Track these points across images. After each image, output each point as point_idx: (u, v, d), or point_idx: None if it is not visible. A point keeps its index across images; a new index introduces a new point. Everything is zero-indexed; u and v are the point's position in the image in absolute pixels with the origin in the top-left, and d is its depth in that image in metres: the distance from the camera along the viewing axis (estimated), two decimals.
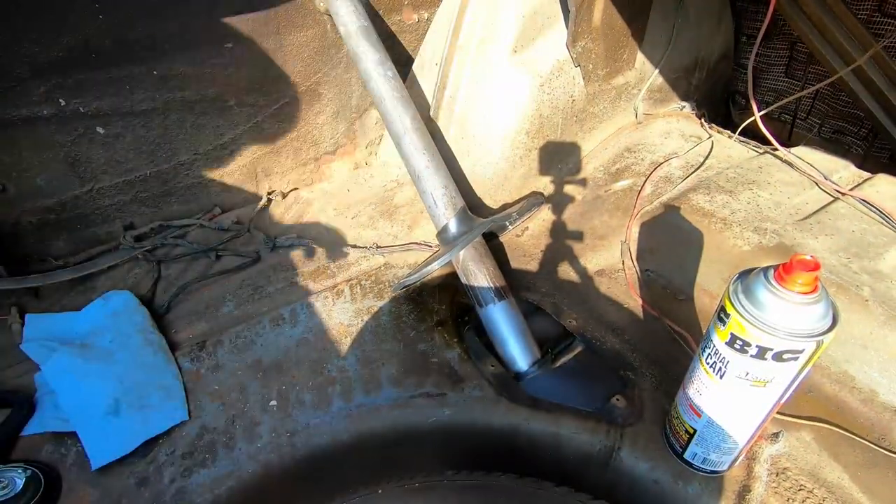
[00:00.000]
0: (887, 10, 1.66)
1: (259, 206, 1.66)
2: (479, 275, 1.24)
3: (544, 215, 1.62)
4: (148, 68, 1.37)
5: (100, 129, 1.39)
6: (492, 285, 1.23)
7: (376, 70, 1.37)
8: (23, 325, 1.24)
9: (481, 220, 1.35)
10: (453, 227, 1.32)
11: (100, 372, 1.12)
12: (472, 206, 1.49)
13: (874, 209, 1.38)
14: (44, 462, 1.01)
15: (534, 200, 1.51)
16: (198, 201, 1.64)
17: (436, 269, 1.26)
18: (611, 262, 1.46)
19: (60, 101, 1.30)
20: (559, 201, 1.65)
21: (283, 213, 1.67)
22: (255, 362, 1.20)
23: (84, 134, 1.37)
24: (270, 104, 1.60)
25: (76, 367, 1.12)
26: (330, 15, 1.50)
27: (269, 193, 1.72)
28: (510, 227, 1.43)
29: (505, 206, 1.59)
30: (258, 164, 1.68)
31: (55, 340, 1.19)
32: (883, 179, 1.49)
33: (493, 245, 1.48)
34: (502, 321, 1.21)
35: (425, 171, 1.33)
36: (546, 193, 1.65)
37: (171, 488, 0.99)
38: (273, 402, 1.12)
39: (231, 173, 1.65)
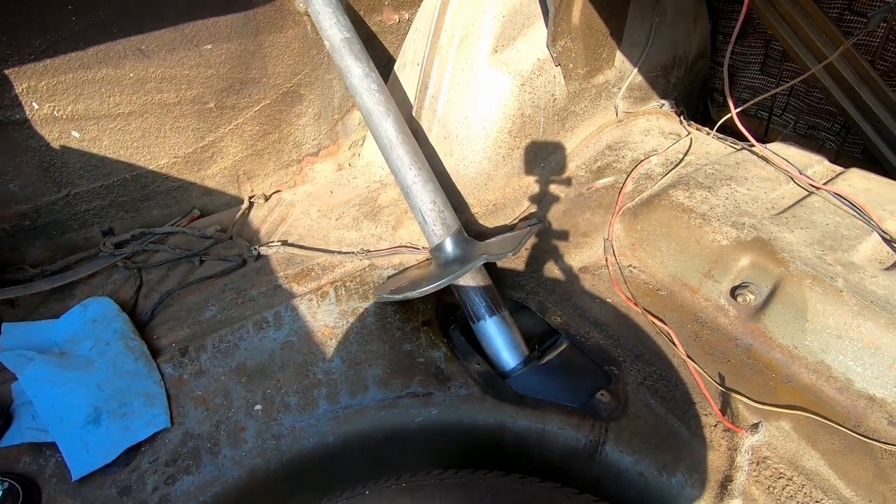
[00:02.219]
0: (857, 9, 1.71)
1: (241, 210, 1.64)
2: (471, 293, 1.24)
3: (529, 213, 1.63)
4: (124, 71, 1.34)
5: (75, 133, 1.36)
6: (485, 301, 1.23)
7: (361, 84, 1.36)
8: None
9: (479, 248, 1.31)
10: (449, 248, 1.30)
11: (79, 380, 1.10)
12: (456, 206, 1.49)
13: (847, 203, 1.42)
14: (21, 474, 0.99)
15: (532, 228, 1.46)
16: (178, 205, 1.61)
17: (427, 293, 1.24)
18: (594, 258, 1.48)
19: (34, 104, 1.27)
20: (543, 200, 1.66)
21: (266, 215, 1.65)
22: (239, 367, 1.19)
23: (59, 138, 1.34)
24: (251, 106, 1.59)
25: (54, 375, 1.09)
26: (309, 16, 1.49)
27: (251, 196, 1.71)
28: (510, 254, 1.35)
29: (491, 206, 1.60)
30: (240, 166, 1.66)
31: (32, 349, 1.17)
32: (855, 174, 1.53)
33: None
34: (496, 335, 1.22)
35: (413, 188, 1.32)
36: (529, 192, 1.66)
37: (154, 496, 0.97)
38: (258, 407, 1.11)
39: (212, 176, 1.63)
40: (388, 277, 1.41)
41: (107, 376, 1.11)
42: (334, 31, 1.38)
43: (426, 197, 1.32)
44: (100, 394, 1.08)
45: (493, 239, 1.41)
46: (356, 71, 1.37)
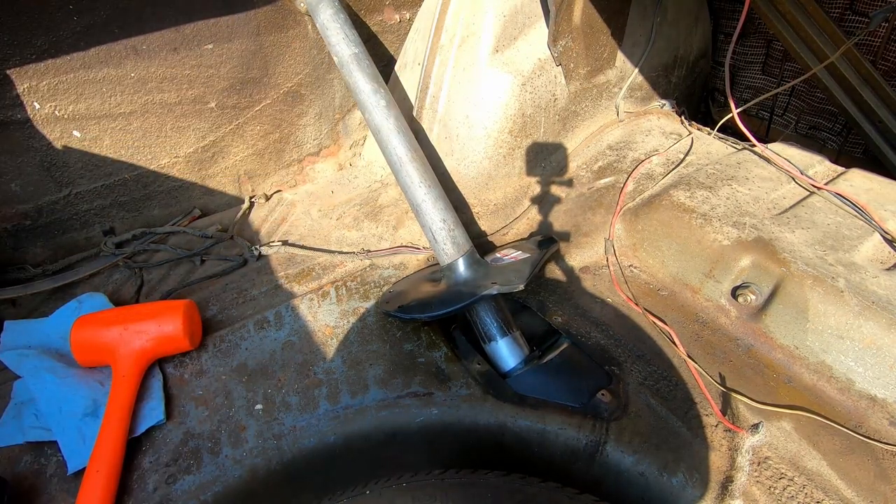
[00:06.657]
0: (858, 8, 1.70)
1: (242, 210, 1.64)
2: (483, 314, 1.23)
3: (530, 214, 1.63)
4: (125, 70, 1.35)
5: (76, 133, 1.36)
6: (496, 322, 1.22)
7: (370, 101, 1.36)
8: (0, 332, 1.22)
9: (491, 273, 1.28)
10: (460, 269, 1.29)
11: (79, 374, 1.10)
12: (457, 205, 1.49)
13: (848, 203, 1.42)
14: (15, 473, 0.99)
15: (547, 252, 1.41)
16: (179, 205, 1.62)
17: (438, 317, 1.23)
18: (595, 258, 1.48)
19: (35, 104, 1.28)
20: (544, 200, 1.66)
21: (267, 215, 1.65)
22: (239, 366, 1.19)
23: (60, 137, 1.35)
24: (252, 106, 1.59)
25: (57, 369, 1.10)
26: (310, 15, 1.49)
27: (252, 196, 1.71)
28: (521, 286, 1.30)
29: (492, 206, 1.60)
30: (241, 166, 1.67)
31: (33, 347, 1.17)
32: (857, 174, 1.52)
33: (479, 243, 1.48)
34: (507, 357, 1.21)
35: (423, 206, 1.31)
36: (530, 192, 1.66)
37: (154, 496, 0.97)
38: (259, 406, 1.11)
39: (213, 176, 1.63)
40: (394, 283, 1.39)
41: (108, 372, 1.11)
42: (342, 46, 1.38)
43: (436, 216, 1.31)
44: (101, 388, 1.09)
45: (506, 261, 1.38)
46: (365, 88, 1.37)
